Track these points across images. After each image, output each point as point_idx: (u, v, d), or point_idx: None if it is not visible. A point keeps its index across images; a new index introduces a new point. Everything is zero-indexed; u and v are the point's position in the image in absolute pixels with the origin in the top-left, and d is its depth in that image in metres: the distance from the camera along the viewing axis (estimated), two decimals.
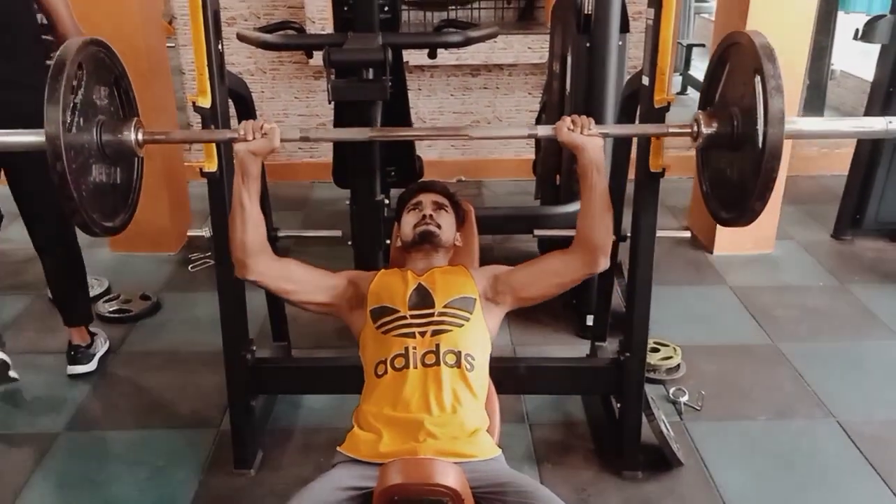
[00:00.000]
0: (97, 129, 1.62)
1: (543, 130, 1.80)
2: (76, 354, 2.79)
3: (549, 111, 3.30)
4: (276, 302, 2.63)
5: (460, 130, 1.93)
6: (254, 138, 1.69)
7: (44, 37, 2.55)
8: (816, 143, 4.94)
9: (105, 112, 1.67)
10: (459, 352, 1.69)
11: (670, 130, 1.81)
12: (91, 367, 2.81)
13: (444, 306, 1.75)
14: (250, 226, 1.73)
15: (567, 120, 1.73)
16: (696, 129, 1.71)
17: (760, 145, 1.51)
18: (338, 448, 1.65)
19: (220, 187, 2.02)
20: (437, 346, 1.68)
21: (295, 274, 1.83)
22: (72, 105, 1.52)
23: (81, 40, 1.60)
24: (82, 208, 1.55)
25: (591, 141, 1.72)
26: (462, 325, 1.73)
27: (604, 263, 1.79)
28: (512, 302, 1.86)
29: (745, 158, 1.61)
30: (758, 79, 1.51)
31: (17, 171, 2.57)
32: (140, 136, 1.72)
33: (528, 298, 1.87)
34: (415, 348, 1.68)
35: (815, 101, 5.13)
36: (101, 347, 2.89)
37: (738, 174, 1.67)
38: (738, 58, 1.66)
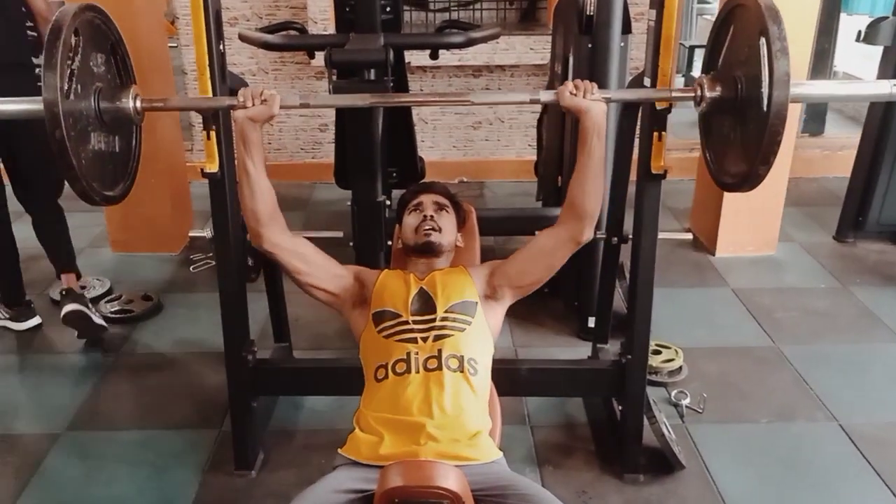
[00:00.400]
0: (95, 96, 1.61)
1: (546, 96, 1.78)
2: (67, 294, 2.92)
3: (551, 112, 3.30)
4: (277, 302, 2.63)
5: (462, 96, 1.92)
6: (253, 105, 1.69)
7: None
8: (819, 146, 4.93)
9: (102, 79, 1.66)
10: (462, 356, 1.68)
11: (673, 95, 1.81)
12: (84, 306, 2.92)
13: (446, 311, 1.74)
14: (258, 193, 1.74)
15: (570, 84, 1.72)
16: (699, 92, 1.70)
17: (765, 108, 1.49)
18: (338, 450, 1.64)
19: (221, 188, 2.02)
20: (440, 350, 1.67)
21: (308, 253, 1.82)
22: (69, 72, 1.51)
23: (76, 6, 1.57)
24: (82, 176, 1.54)
25: (595, 105, 1.71)
26: (464, 330, 1.72)
27: (589, 234, 1.78)
28: (511, 294, 1.85)
29: (749, 122, 1.60)
30: (762, 40, 1.50)
31: (9, 138, 2.78)
32: (138, 104, 1.72)
33: (525, 286, 1.85)
34: (416, 353, 1.68)
35: (818, 103, 5.12)
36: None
37: (741, 139, 1.65)
38: (742, 20, 1.64)
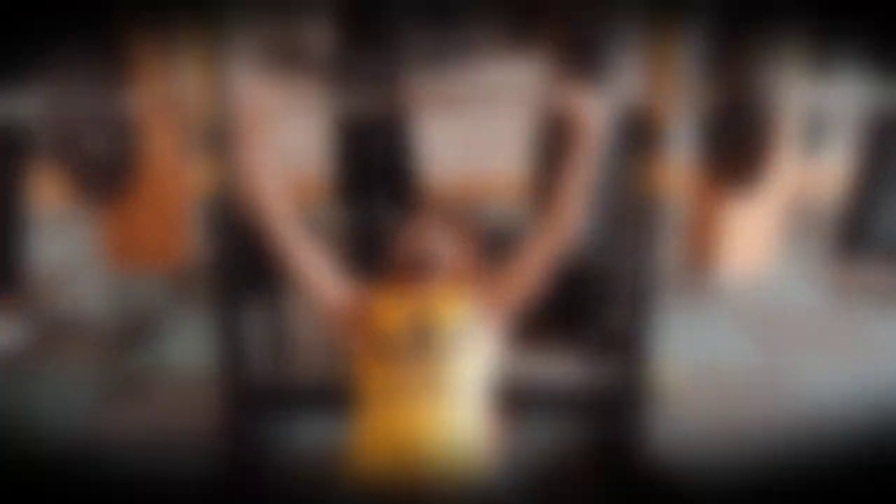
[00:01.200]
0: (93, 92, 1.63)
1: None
2: None
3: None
4: (275, 323, 2.62)
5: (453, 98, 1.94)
6: None
7: None
8: (816, 166, 4.94)
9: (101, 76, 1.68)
10: (457, 383, 1.68)
11: None
12: None
13: (441, 337, 1.73)
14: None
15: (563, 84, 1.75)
16: (696, 94, 1.72)
17: (763, 101, 1.51)
18: (335, 470, 1.63)
19: (219, 207, 2.02)
20: (434, 378, 1.67)
21: (324, 255, 1.82)
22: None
23: None
24: (74, 171, 1.55)
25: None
26: (459, 356, 1.72)
27: (568, 233, 1.78)
28: (505, 309, 1.84)
29: (747, 118, 1.61)
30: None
31: None
32: (136, 101, 1.74)
33: (516, 297, 1.83)
34: (411, 380, 1.67)
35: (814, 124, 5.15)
36: None
37: (740, 138, 1.67)
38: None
